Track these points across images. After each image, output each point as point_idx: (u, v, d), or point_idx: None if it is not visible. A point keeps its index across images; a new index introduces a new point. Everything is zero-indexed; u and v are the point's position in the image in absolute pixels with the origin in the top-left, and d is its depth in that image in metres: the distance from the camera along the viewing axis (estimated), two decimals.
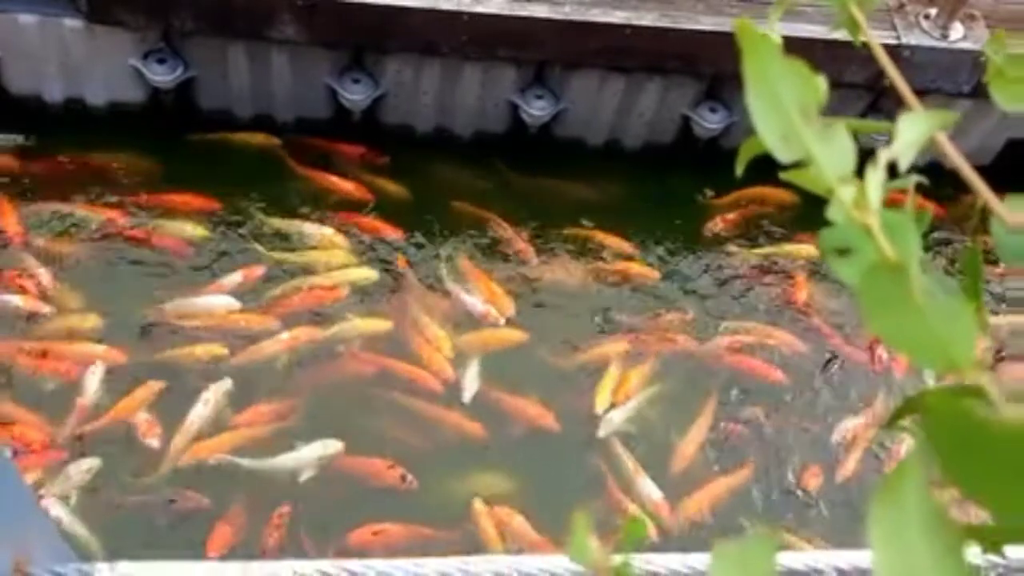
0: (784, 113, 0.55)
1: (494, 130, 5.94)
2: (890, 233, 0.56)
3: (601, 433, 4.85)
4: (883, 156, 0.58)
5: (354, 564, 1.02)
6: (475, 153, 5.94)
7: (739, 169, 0.72)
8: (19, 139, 5.60)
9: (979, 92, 5.66)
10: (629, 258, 5.64)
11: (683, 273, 5.70)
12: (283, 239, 5.40)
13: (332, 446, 4.61)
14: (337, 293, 5.19)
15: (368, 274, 5.29)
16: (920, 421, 0.43)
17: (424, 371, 4.92)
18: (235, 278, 5.15)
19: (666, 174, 6.05)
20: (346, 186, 5.64)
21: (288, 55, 5.45)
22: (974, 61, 5.45)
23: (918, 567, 0.39)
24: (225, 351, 4.86)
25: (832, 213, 0.56)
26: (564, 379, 5.09)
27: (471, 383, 4.92)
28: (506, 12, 5.25)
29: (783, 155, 0.55)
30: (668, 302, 5.51)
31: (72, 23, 5.26)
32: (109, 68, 5.50)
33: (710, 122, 5.81)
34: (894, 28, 5.48)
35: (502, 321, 5.21)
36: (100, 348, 4.78)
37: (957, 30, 5.52)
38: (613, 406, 4.94)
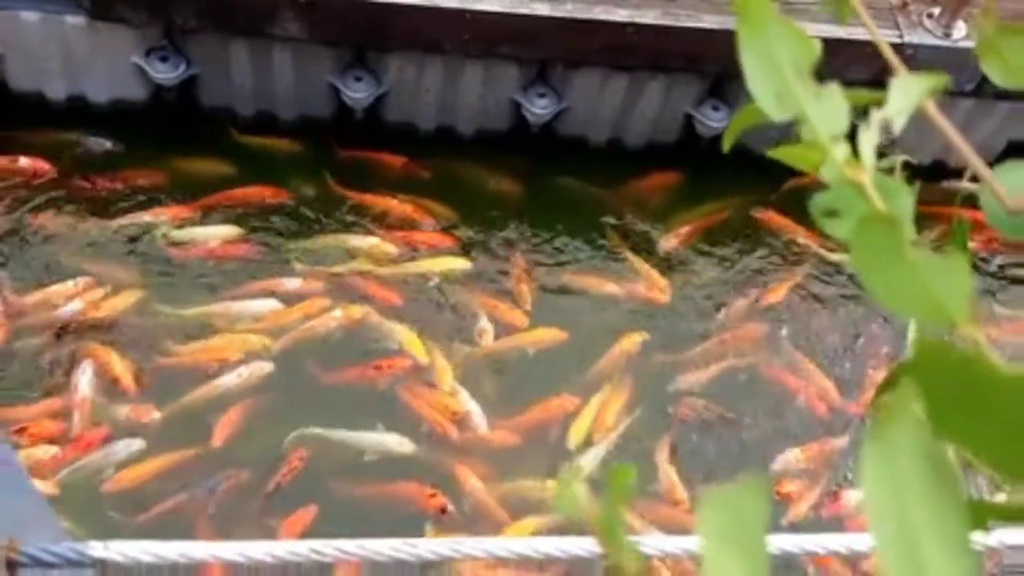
0: (778, 71, 0.55)
1: (496, 128, 5.94)
2: (882, 192, 0.56)
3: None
4: (876, 117, 0.58)
5: (347, 544, 1.02)
6: (478, 151, 5.95)
7: (726, 145, 0.72)
8: (107, 144, 5.61)
9: (982, 91, 5.65)
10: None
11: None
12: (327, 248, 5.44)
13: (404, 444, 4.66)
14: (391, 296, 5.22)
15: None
16: (913, 371, 0.43)
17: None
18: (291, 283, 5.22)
19: (668, 173, 6.05)
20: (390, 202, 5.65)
21: (290, 53, 5.45)
22: (977, 60, 5.44)
23: (911, 508, 0.39)
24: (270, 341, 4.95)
25: (824, 172, 0.56)
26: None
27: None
28: (508, 10, 5.25)
29: (777, 113, 0.55)
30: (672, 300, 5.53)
31: (74, 20, 5.27)
32: (111, 65, 5.50)
33: (713, 120, 5.81)
34: (897, 27, 5.48)
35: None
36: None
37: (960, 29, 5.51)
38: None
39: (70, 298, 4.98)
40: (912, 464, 0.38)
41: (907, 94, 0.57)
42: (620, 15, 5.34)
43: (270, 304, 5.11)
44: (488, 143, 5.94)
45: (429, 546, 1.07)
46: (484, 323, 5.18)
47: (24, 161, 5.44)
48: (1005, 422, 0.42)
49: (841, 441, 5.03)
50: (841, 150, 0.55)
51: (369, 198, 5.64)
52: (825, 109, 0.55)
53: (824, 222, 0.56)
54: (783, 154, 0.60)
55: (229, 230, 5.40)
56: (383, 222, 5.56)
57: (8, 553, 0.98)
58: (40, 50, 5.39)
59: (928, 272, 0.49)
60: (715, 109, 5.82)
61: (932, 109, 0.64)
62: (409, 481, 4.56)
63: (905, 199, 0.57)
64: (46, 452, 4.41)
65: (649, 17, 5.37)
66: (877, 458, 0.38)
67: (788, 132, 0.54)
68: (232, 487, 4.47)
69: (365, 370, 4.92)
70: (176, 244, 5.30)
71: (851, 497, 4.83)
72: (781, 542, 1.20)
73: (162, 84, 5.50)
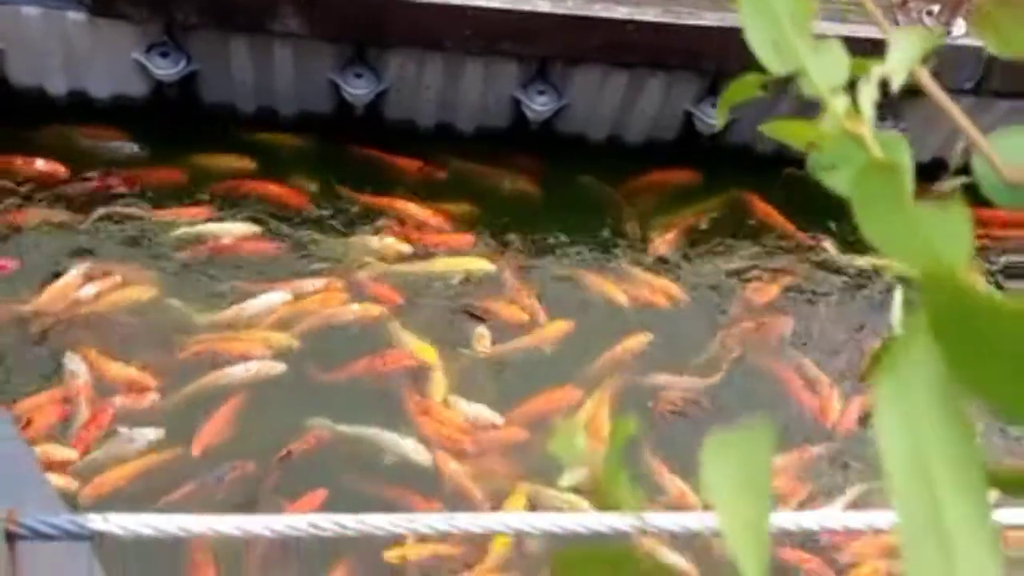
0: (776, 21, 0.55)
1: (496, 125, 5.94)
2: (882, 145, 0.56)
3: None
4: (875, 71, 0.58)
5: (347, 518, 1.02)
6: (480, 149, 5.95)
7: (720, 121, 0.72)
8: (134, 148, 5.61)
9: (981, 89, 5.66)
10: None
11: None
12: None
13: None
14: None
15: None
16: (918, 302, 0.43)
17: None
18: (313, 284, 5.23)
19: (668, 170, 6.05)
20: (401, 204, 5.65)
21: (291, 49, 5.45)
22: (977, 57, 5.45)
23: (928, 450, 0.38)
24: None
25: (824, 124, 0.56)
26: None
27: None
28: (509, 7, 5.26)
29: (775, 65, 0.55)
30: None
31: (75, 16, 5.27)
32: (112, 61, 5.50)
33: (713, 118, 5.81)
34: (896, 24, 5.48)
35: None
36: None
37: (960, 26, 5.51)
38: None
39: (80, 289, 4.98)
40: (928, 405, 0.38)
41: (907, 48, 0.57)
42: (620, 12, 5.34)
43: (282, 297, 5.11)
44: (488, 140, 5.94)
45: (426, 520, 1.07)
46: (482, 328, 5.14)
47: (40, 163, 5.44)
48: (1011, 357, 0.42)
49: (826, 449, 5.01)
50: (841, 102, 0.55)
51: (383, 199, 5.63)
52: (824, 61, 0.56)
53: (824, 176, 0.56)
54: (776, 130, 0.60)
55: (245, 227, 5.40)
56: (396, 221, 5.54)
57: (7, 525, 0.98)
58: (41, 46, 5.39)
59: (929, 221, 0.49)
60: (715, 107, 5.82)
61: (925, 77, 0.64)
62: (416, 492, 4.54)
63: (904, 151, 0.57)
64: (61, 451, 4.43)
65: (649, 14, 5.37)
66: (892, 397, 0.38)
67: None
68: (238, 477, 4.48)
69: (371, 363, 4.92)
70: (191, 241, 5.30)
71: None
72: (779, 520, 1.20)
73: (163, 80, 5.50)
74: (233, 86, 5.68)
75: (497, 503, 4.53)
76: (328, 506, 4.40)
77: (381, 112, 5.83)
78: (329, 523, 1.04)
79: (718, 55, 5.36)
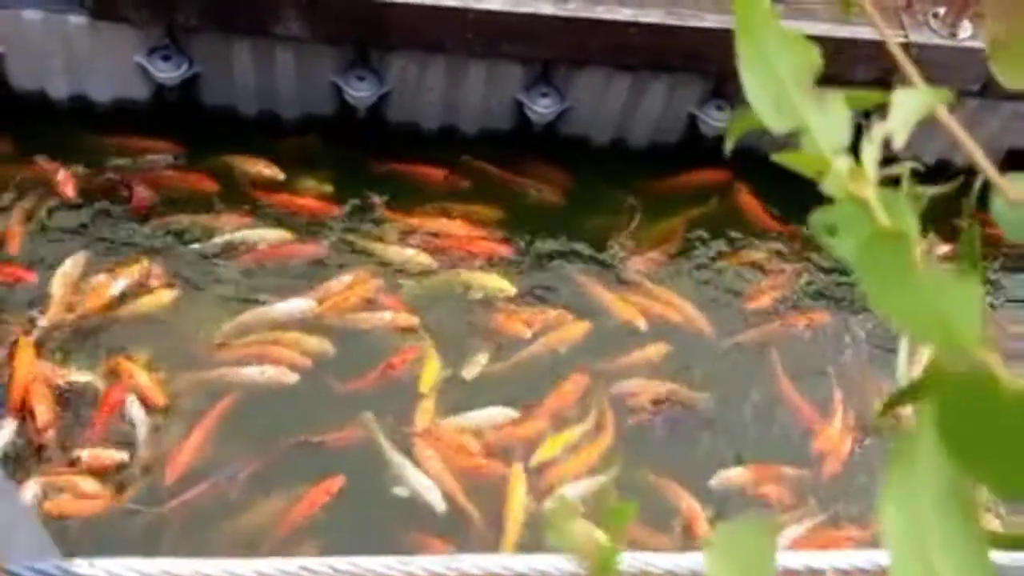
0: (777, 79, 0.52)
1: (499, 128, 5.92)
2: (887, 208, 0.54)
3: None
4: (878, 131, 0.56)
5: (339, 561, 0.99)
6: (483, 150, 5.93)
7: (727, 147, 0.69)
8: (168, 158, 5.60)
9: (987, 92, 5.63)
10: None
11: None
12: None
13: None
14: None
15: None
16: (928, 395, 0.41)
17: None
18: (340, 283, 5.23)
19: (672, 173, 6.03)
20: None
21: (293, 52, 5.43)
22: (982, 60, 5.41)
23: (931, 539, 0.36)
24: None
25: (827, 187, 0.54)
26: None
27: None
28: (511, 9, 5.23)
29: (776, 124, 0.53)
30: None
31: (76, 19, 5.25)
32: (113, 65, 5.49)
33: (717, 120, 5.78)
34: (902, 26, 5.45)
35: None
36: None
37: (966, 28, 5.48)
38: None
39: (109, 290, 5.01)
40: (933, 502, 0.36)
41: (910, 108, 0.55)
42: (623, 14, 5.31)
43: (308, 304, 5.11)
44: (491, 143, 5.92)
45: (423, 563, 1.05)
46: (481, 348, 5.10)
47: (60, 173, 5.41)
48: (1017, 441, 0.40)
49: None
50: (844, 163, 0.53)
51: (413, 210, 5.61)
52: (826, 120, 0.53)
53: (826, 240, 0.54)
54: (789, 160, 0.58)
55: (279, 234, 5.39)
56: (423, 233, 5.53)
57: None
58: (42, 49, 5.38)
59: (938, 292, 0.46)
60: (719, 109, 5.79)
61: (942, 113, 0.62)
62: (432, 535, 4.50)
63: (910, 214, 0.54)
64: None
65: (652, 16, 5.34)
66: (897, 495, 0.36)
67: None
68: (251, 475, 4.52)
69: (384, 370, 4.94)
70: (227, 247, 5.30)
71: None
72: (786, 559, 1.18)
73: (164, 83, 5.48)
74: (235, 89, 5.66)
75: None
76: (345, 493, 4.47)
77: (383, 115, 5.81)
78: (321, 566, 1.02)
79: (721, 57, 5.28)
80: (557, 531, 0.48)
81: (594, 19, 5.28)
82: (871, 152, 0.54)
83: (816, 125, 0.53)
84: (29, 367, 4.63)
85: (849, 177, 0.53)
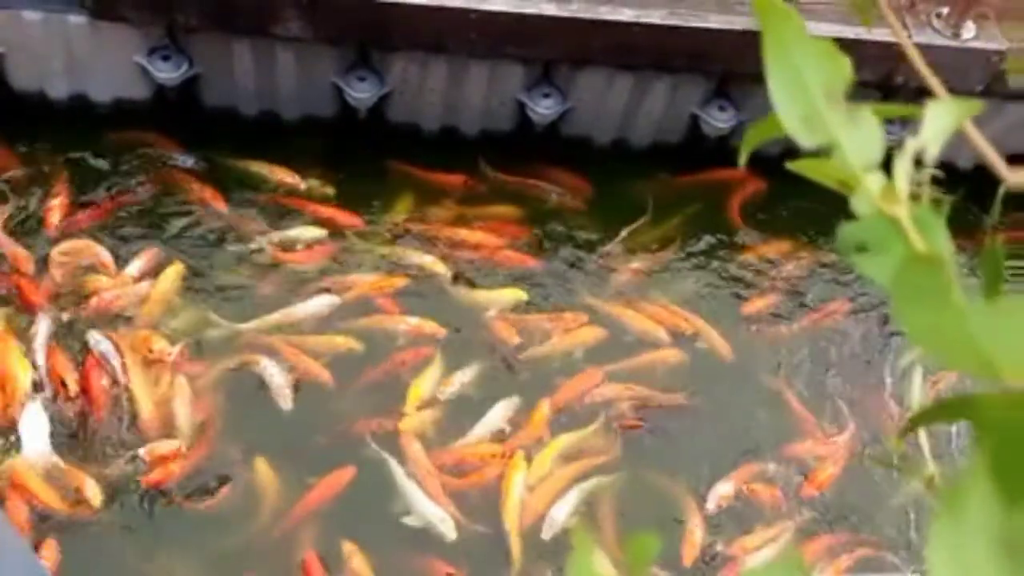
0: (807, 94, 0.50)
1: (501, 129, 5.90)
2: (920, 227, 0.52)
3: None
4: (911, 145, 0.54)
5: None
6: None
7: (742, 159, 0.67)
8: (188, 162, 5.59)
9: (990, 92, 5.60)
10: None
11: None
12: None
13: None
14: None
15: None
16: (974, 431, 0.39)
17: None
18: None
19: (674, 173, 6.01)
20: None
21: (293, 52, 5.41)
22: (986, 60, 5.40)
23: None
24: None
25: (857, 205, 0.52)
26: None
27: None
28: (513, 9, 5.21)
29: (805, 139, 0.51)
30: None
31: (76, 19, 5.23)
32: (113, 65, 5.47)
33: (719, 121, 5.75)
34: (905, 27, 5.43)
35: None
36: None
37: (969, 29, 5.46)
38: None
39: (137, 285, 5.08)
40: (986, 550, 0.34)
41: (943, 120, 0.53)
42: (626, 14, 5.29)
43: (331, 301, 5.12)
44: (493, 144, 5.90)
45: None
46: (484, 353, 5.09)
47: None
48: None
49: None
50: (876, 180, 0.51)
51: (434, 216, 5.61)
52: (858, 136, 0.51)
53: (856, 258, 0.52)
54: (805, 168, 0.56)
55: (314, 232, 5.39)
56: (442, 240, 5.52)
57: None
58: (42, 49, 5.35)
59: (978, 320, 0.44)
60: (721, 109, 5.77)
61: (967, 124, 0.60)
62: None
63: (942, 233, 0.52)
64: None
65: (655, 17, 5.32)
66: (947, 543, 0.34)
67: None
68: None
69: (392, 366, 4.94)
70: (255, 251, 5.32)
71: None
72: None
73: (164, 84, 5.46)
74: (235, 89, 5.64)
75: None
76: (355, 484, 4.51)
77: (384, 115, 5.79)
78: None
79: (724, 57, 5.31)
80: (577, 566, 0.46)
81: (596, 19, 5.26)
82: (903, 168, 0.52)
83: (848, 141, 0.51)
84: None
85: (882, 195, 0.51)
